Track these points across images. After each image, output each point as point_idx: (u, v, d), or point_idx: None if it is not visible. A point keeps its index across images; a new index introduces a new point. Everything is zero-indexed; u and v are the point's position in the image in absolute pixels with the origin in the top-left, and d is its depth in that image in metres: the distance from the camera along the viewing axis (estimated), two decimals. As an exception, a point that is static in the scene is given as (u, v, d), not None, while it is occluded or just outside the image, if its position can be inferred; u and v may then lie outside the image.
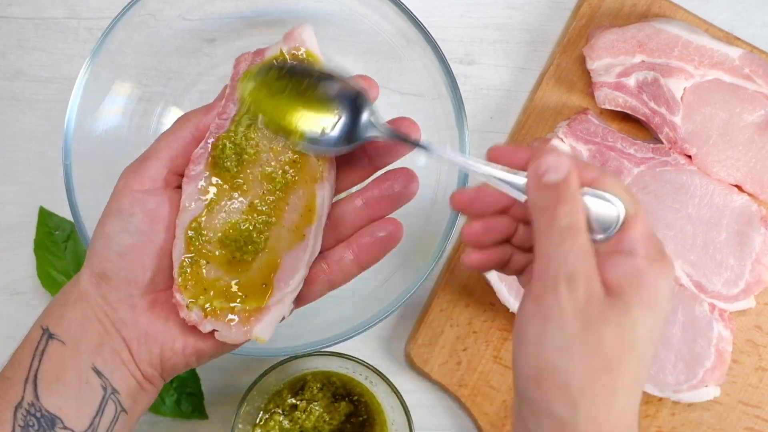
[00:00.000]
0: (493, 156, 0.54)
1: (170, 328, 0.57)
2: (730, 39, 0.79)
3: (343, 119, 0.59)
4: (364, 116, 0.58)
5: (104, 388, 0.55)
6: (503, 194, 0.53)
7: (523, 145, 0.52)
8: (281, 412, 0.76)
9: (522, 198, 0.52)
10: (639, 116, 0.77)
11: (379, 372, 0.71)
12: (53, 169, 0.79)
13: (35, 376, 0.54)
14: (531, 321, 0.50)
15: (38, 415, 0.53)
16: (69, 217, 0.76)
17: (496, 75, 0.82)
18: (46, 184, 0.79)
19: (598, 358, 0.48)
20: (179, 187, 0.58)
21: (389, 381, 0.71)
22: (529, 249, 0.55)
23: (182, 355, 0.57)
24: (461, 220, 0.73)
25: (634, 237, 0.50)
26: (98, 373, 0.55)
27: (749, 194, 0.77)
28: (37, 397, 0.54)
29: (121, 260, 0.56)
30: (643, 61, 0.76)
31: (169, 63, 0.76)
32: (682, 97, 0.76)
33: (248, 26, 0.71)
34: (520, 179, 0.52)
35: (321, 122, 0.58)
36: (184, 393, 0.78)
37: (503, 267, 0.56)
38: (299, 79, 0.59)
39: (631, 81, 0.77)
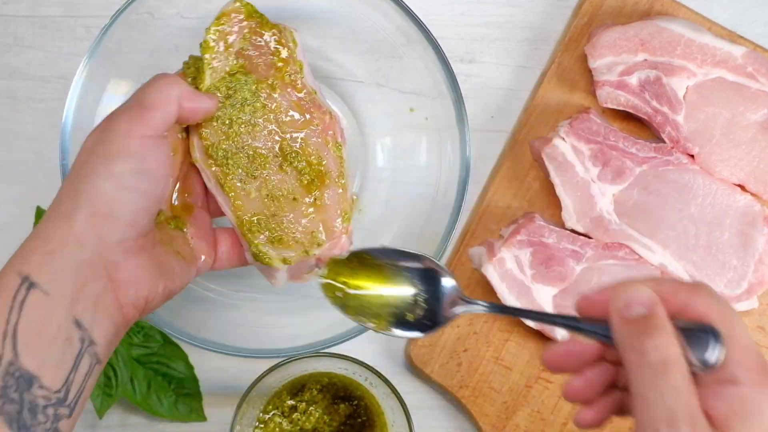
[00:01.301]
0: (583, 307, 0.52)
1: (153, 270, 0.57)
2: (733, 37, 0.79)
3: (425, 299, 0.60)
4: (448, 293, 0.60)
5: (82, 341, 0.52)
6: (593, 343, 0.52)
7: (607, 289, 0.52)
8: (281, 413, 0.76)
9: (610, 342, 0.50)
10: (641, 115, 0.77)
11: (380, 373, 0.71)
12: (50, 169, 0.78)
13: (14, 331, 0.50)
14: None
15: (17, 374, 0.50)
16: (66, 217, 0.75)
17: (497, 74, 0.82)
18: (42, 184, 0.79)
19: None
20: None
21: (389, 382, 0.71)
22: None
23: (161, 295, 0.58)
24: (461, 220, 0.72)
25: (736, 357, 0.47)
26: (78, 325, 0.52)
27: (752, 194, 0.77)
28: (16, 354, 0.50)
29: (132, 201, 0.55)
30: (646, 60, 0.76)
31: (167, 61, 0.74)
32: (684, 96, 0.76)
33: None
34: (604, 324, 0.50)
35: (404, 306, 0.60)
36: (182, 394, 0.77)
37: (622, 413, 0.54)
38: (374, 266, 0.61)
39: (633, 80, 0.76)
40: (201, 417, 0.78)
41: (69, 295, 0.52)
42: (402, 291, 0.60)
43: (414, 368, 0.78)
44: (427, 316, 0.60)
